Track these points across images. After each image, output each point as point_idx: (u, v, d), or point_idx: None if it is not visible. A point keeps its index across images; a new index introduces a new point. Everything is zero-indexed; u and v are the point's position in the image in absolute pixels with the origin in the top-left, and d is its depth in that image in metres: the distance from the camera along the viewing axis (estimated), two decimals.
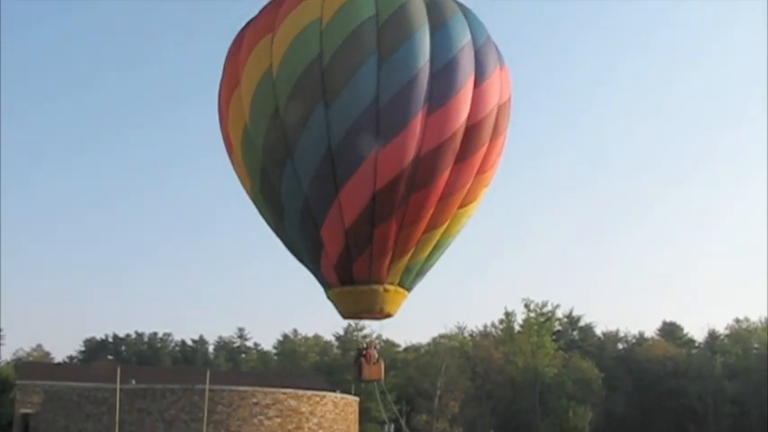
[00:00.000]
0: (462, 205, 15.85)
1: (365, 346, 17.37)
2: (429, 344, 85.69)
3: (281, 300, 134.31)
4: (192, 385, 33.70)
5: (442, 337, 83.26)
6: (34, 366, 67.04)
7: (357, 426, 40.02)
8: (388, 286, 15.79)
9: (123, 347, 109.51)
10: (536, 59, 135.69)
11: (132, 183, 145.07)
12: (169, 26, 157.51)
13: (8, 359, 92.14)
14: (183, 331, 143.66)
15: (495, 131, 15.57)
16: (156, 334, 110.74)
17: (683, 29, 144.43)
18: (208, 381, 29.75)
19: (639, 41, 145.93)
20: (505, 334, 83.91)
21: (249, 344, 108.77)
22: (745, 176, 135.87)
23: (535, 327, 79.51)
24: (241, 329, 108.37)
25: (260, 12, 15.69)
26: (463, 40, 14.94)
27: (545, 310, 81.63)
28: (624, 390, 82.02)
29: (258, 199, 16.11)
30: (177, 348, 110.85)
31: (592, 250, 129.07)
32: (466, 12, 15.56)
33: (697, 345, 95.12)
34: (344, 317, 16.72)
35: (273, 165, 15.08)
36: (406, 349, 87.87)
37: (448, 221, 15.78)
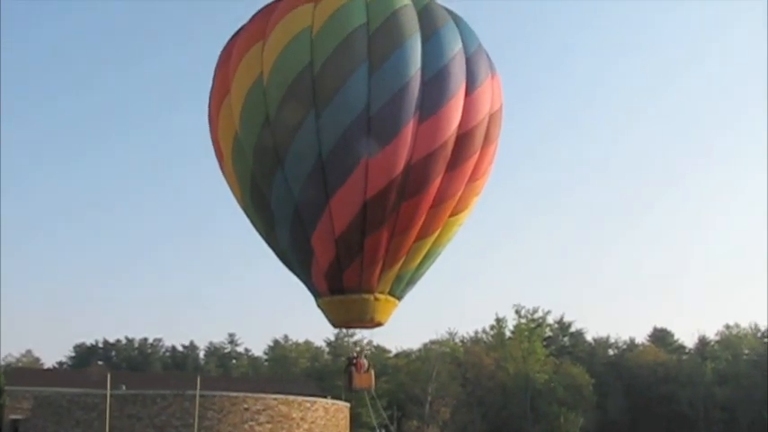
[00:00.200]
0: (453, 213, 15.78)
1: (355, 355, 17.22)
2: (420, 350, 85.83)
3: (271, 305, 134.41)
4: (182, 391, 33.70)
5: (433, 342, 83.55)
6: (24, 372, 66.99)
7: None
8: (378, 295, 15.68)
9: (113, 353, 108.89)
10: (531, 60, 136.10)
11: (127, 185, 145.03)
12: (169, 26, 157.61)
13: None
14: (174, 337, 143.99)
15: (487, 140, 15.52)
16: (146, 339, 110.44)
17: (683, 29, 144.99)
18: (198, 386, 29.72)
19: (639, 41, 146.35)
20: (496, 340, 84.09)
21: (240, 349, 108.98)
22: (740, 181, 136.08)
23: (526, 333, 79.74)
24: (232, 335, 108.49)
25: (250, 19, 15.59)
26: (455, 48, 14.89)
27: (536, 316, 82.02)
28: (615, 396, 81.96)
29: (248, 207, 15.99)
30: (168, 354, 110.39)
31: (582, 257, 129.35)
32: (457, 20, 15.51)
33: (687, 351, 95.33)
34: (335, 326, 16.66)
35: (264, 172, 14.97)
36: (397, 355, 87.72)
37: (439, 230, 15.71)
